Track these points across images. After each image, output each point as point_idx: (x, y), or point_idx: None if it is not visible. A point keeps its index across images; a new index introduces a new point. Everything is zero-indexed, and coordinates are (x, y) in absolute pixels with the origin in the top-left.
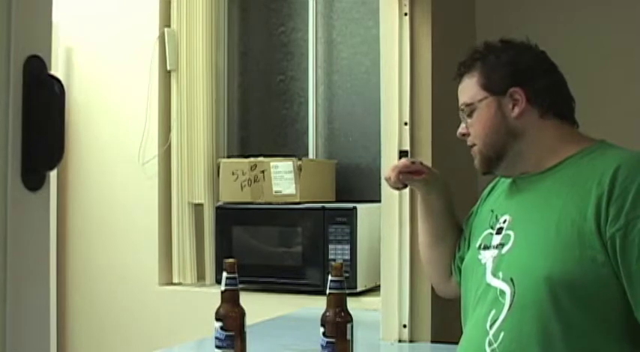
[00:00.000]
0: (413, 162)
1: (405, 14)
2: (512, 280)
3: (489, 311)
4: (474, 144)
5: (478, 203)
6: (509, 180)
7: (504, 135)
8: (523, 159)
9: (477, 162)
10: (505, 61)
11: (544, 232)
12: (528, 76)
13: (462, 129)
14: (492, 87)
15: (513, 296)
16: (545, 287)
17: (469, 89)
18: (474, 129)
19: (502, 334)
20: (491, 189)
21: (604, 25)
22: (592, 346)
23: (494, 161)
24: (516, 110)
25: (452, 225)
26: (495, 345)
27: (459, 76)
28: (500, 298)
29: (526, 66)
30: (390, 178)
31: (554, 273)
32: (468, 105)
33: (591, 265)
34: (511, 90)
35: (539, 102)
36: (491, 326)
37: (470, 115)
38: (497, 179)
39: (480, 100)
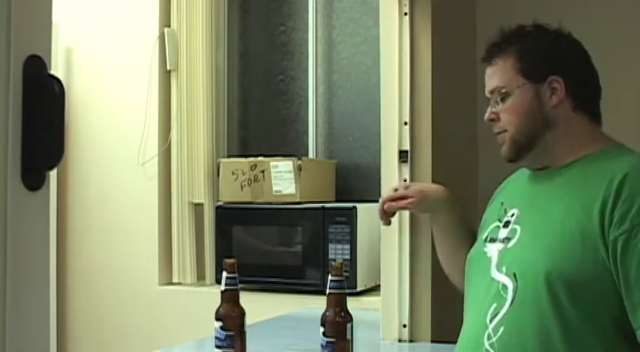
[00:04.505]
0: (396, 189)
1: (405, 14)
2: (514, 275)
3: (491, 305)
4: (504, 131)
5: (491, 199)
6: (522, 177)
7: (540, 124)
8: (548, 153)
9: (505, 148)
10: (544, 47)
11: (549, 229)
12: (568, 65)
13: (489, 114)
14: (530, 73)
15: (515, 291)
16: (544, 284)
17: (503, 73)
18: (506, 115)
19: (502, 328)
20: (506, 185)
21: (607, 25)
22: (589, 344)
23: (524, 149)
24: (554, 99)
25: (465, 235)
26: (494, 339)
27: (489, 58)
28: (502, 292)
29: (565, 54)
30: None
31: (554, 272)
32: (501, 89)
33: (592, 266)
34: (551, 78)
35: (575, 93)
36: (491, 320)
37: (503, 100)
38: (511, 176)
39: (518, 86)
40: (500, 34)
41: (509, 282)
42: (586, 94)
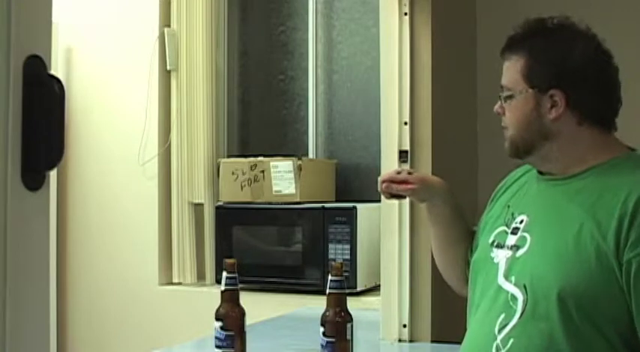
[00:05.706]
0: (399, 172)
1: (405, 14)
2: (524, 287)
3: (499, 315)
4: (507, 128)
5: (492, 197)
6: (528, 175)
7: (536, 134)
8: (549, 162)
9: (506, 146)
10: (553, 56)
11: (562, 243)
12: (573, 79)
13: (498, 107)
14: (534, 81)
15: (525, 304)
16: (556, 300)
17: (511, 73)
18: (509, 114)
19: (511, 341)
20: (510, 184)
21: (609, 25)
22: None
23: (522, 153)
24: (553, 113)
25: (461, 230)
26: (503, 351)
27: (504, 52)
28: (511, 303)
29: (573, 66)
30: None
31: (567, 289)
32: (507, 89)
33: (605, 285)
34: (552, 91)
35: (580, 108)
36: (500, 331)
37: (508, 99)
38: (512, 173)
39: (520, 92)
40: (521, 26)
41: (519, 294)
42: (594, 108)
